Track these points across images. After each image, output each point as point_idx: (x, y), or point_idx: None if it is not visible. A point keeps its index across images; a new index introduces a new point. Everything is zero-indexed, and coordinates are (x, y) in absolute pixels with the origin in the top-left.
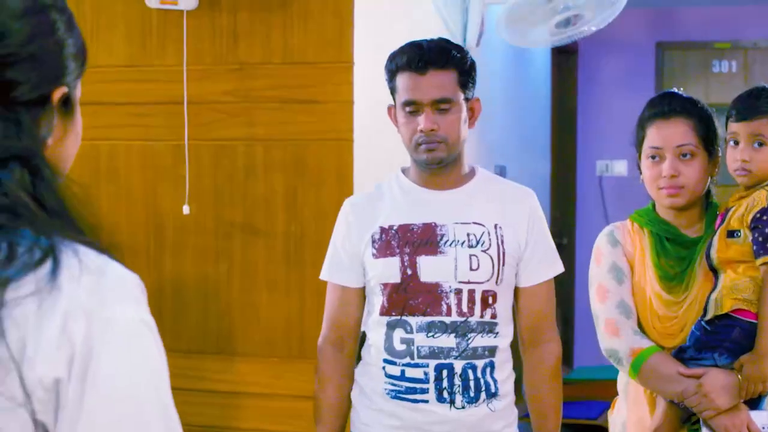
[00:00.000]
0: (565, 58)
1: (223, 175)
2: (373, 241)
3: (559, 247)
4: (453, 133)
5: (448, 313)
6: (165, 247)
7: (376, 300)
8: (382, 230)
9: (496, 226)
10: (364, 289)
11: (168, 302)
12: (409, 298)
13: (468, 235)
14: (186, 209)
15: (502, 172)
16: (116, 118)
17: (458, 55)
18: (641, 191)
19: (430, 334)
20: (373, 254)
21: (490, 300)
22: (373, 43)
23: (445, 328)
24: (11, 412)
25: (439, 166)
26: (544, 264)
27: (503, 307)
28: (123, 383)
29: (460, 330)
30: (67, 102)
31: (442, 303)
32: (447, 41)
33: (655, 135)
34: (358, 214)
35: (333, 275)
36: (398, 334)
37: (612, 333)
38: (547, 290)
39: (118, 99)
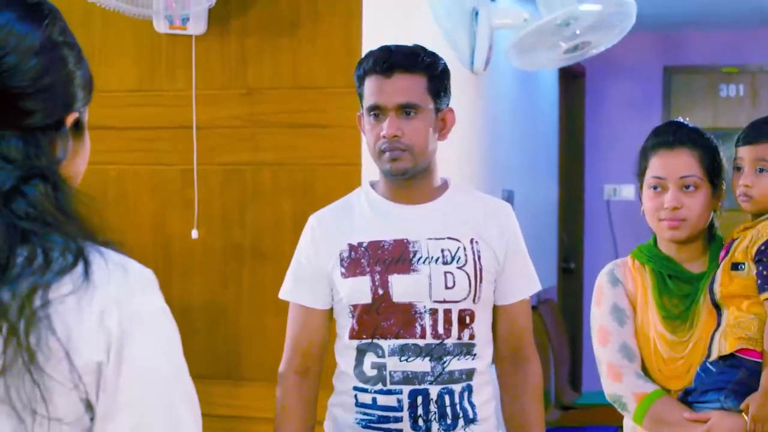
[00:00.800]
0: (572, 82)
1: (231, 200)
2: (342, 260)
3: (567, 272)
4: (419, 141)
5: (422, 335)
6: (173, 270)
7: (345, 322)
8: (351, 248)
9: (473, 240)
10: (330, 311)
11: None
12: (381, 319)
13: (443, 251)
14: (195, 233)
15: (509, 196)
16: (125, 142)
17: (428, 59)
18: None
19: (403, 358)
20: (342, 273)
21: (468, 320)
22: None
23: (419, 352)
24: (66, 395)
25: (404, 177)
26: (523, 280)
27: (482, 326)
28: (150, 362)
29: (436, 353)
30: (77, 125)
31: (416, 324)
32: (419, 47)
33: (658, 165)
34: (325, 230)
35: (296, 295)
36: (369, 358)
37: (615, 378)
38: (526, 308)
39: (126, 123)
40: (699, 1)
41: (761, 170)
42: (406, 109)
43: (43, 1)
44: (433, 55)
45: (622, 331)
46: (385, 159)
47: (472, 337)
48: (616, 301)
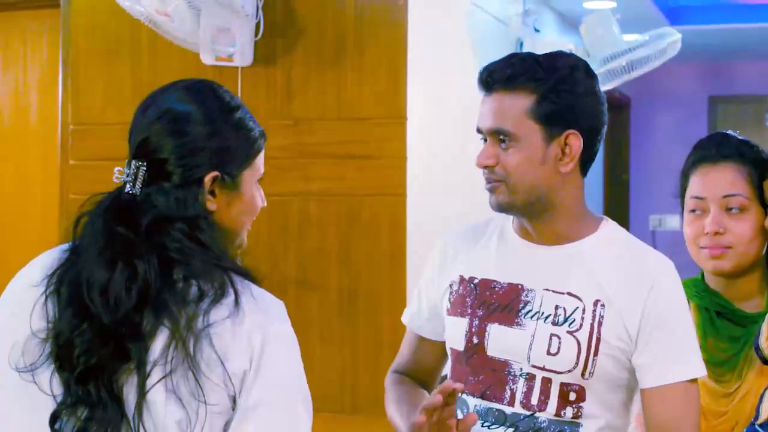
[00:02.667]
0: (617, 111)
1: (277, 229)
2: (450, 293)
3: None
4: (514, 173)
5: (511, 403)
6: None
7: (449, 366)
8: (461, 281)
9: (597, 302)
10: (445, 344)
11: None
12: (469, 372)
13: (556, 308)
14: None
15: None
16: None
17: (539, 73)
18: None
19: (485, 424)
20: (447, 309)
21: (573, 396)
22: (425, 98)
23: (503, 420)
24: (219, 392)
25: (509, 213)
26: (669, 360)
27: (597, 408)
28: (280, 372)
29: (523, 426)
30: (225, 181)
31: (506, 388)
32: (542, 56)
33: (698, 183)
34: (448, 253)
35: (411, 321)
36: (458, 416)
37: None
38: (674, 396)
39: None
40: (745, 31)
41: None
42: (499, 136)
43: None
44: (554, 66)
45: None
46: (487, 189)
47: (577, 416)
48: None
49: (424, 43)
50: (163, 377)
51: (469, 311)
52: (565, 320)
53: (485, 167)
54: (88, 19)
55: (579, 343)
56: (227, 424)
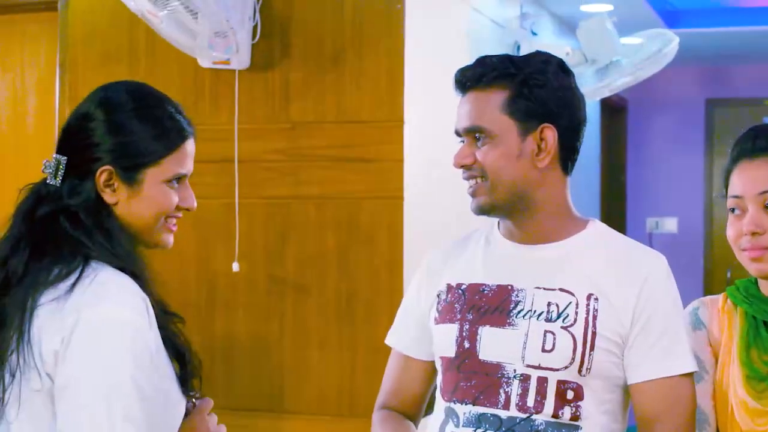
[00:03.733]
0: (614, 114)
1: (274, 233)
2: (438, 302)
3: None
4: (491, 169)
5: (506, 406)
6: (216, 304)
7: (438, 377)
8: (449, 288)
9: (590, 297)
10: (433, 364)
11: (219, 360)
12: (461, 379)
13: (549, 304)
14: (236, 266)
15: None
16: None
17: (510, 69)
18: (693, 249)
19: (479, 431)
20: (435, 318)
21: (570, 395)
22: (423, 102)
23: (498, 425)
24: (34, 370)
25: (492, 215)
26: (659, 354)
27: (595, 407)
28: (87, 358)
29: (518, 430)
30: (121, 176)
31: (500, 391)
32: (515, 56)
33: (736, 181)
34: (433, 268)
35: (398, 341)
36: (447, 427)
37: None
38: (663, 392)
39: None
40: (741, 34)
41: None
42: (475, 134)
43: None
44: (525, 62)
45: (696, 388)
46: (468, 192)
47: (575, 417)
48: (695, 350)
49: (422, 46)
50: (6, 352)
51: (459, 317)
52: (559, 316)
53: (462, 167)
54: (86, 23)
55: (574, 338)
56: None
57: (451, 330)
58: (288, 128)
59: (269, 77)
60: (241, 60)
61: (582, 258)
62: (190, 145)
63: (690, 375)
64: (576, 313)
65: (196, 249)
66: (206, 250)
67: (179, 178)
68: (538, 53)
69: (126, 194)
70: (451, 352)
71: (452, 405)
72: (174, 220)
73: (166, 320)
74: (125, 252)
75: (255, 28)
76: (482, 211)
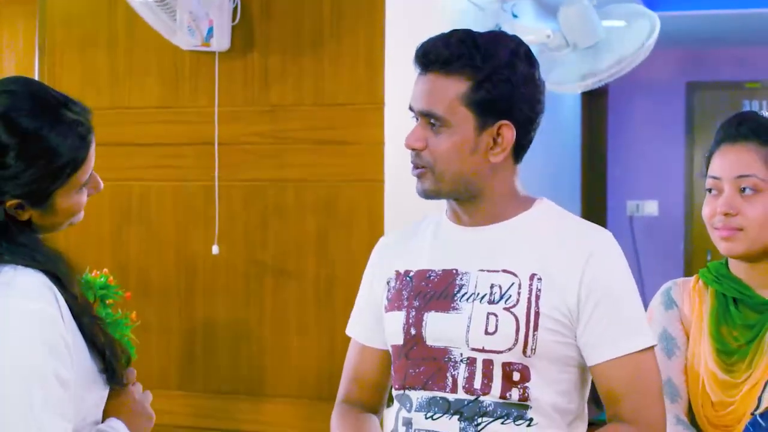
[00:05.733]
0: (595, 98)
1: (254, 217)
2: (388, 290)
3: None
4: (441, 160)
5: (453, 389)
6: (196, 288)
7: (392, 367)
8: (398, 276)
9: (533, 276)
10: (389, 352)
11: (199, 343)
12: (409, 365)
13: (492, 286)
14: (215, 249)
15: None
16: (148, 159)
17: (476, 60)
18: (673, 232)
19: (429, 415)
20: (385, 306)
21: (516, 376)
22: (403, 85)
23: (446, 408)
24: None
25: (436, 198)
26: (617, 333)
27: (545, 388)
28: (4, 341)
29: (467, 412)
30: (36, 203)
31: (448, 375)
32: (483, 38)
33: (716, 162)
34: (384, 255)
35: (354, 329)
36: (401, 413)
37: None
38: (623, 370)
39: (150, 140)
40: (722, 17)
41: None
42: (430, 119)
43: None
44: (494, 49)
45: (669, 363)
46: (413, 174)
47: (524, 398)
48: (667, 327)
49: (402, 28)
50: None
51: (406, 303)
52: (501, 297)
53: (413, 149)
54: (64, 5)
55: (517, 319)
56: None
57: (399, 317)
58: (268, 111)
59: (249, 60)
60: (220, 42)
61: (525, 238)
62: (92, 146)
63: (650, 349)
64: (518, 293)
65: (176, 232)
66: (185, 233)
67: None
68: (504, 38)
69: (39, 213)
70: (399, 340)
71: (405, 392)
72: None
73: (86, 317)
74: (42, 255)
75: (235, 10)
76: (427, 195)
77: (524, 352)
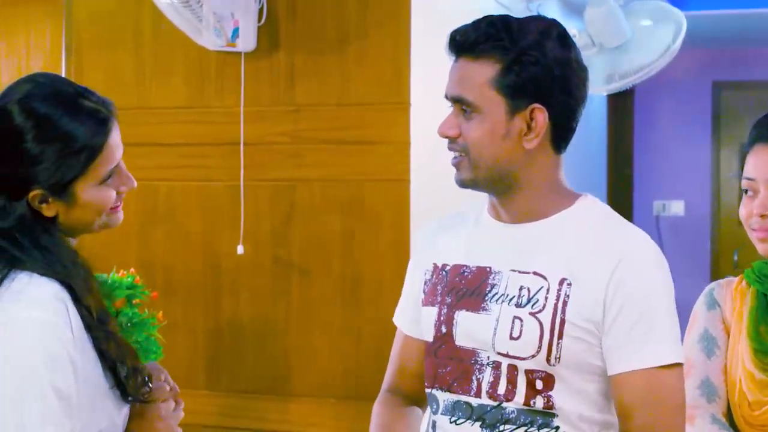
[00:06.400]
0: (620, 98)
1: (279, 216)
2: (425, 282)
3: None
4: (474, 146)
5: (477, 394)
6: (222, 287)
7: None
8: (435, 269)
9: (563, 281)
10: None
11: (225, 342)
12: (438, 365)
13: (521, 288)
14: (240, 249)
15: None
16: (174, 158)
17: (504, 41)
18: (699, 231)
19: (453, 419)
20: (422, 299)
21: (540, 384)
22: (429, 84)
23: (469, 413)
24: None
25: (474, 189)
26: (634, 343)
27: (570, 397)
28: (3, 353)
29: (489, 418)
30: (58, 193)
31: (473, 378)
32: (515, 21)
33: (750, 163)
34: (426, 243)
35: (399, 318)
36: (429, 414)
37: (687, 419)
38: (638, 384)
39: (176, 140)
40: (749, 16)
41: None
42: (462, 106)
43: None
44: (521, 32)
45: (708, 363)
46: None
47: (549, 406)
48: (708, 327)
49: (428, 27)
50: None
51: (439, 299)
52: (528, 301)
53: (446, 137)
54: (91, 5)
55: (541, 325)
56: None
57: (432, 313)
58: (293, 111)
59: (274, 60)
60: (246, 42)
61: (560, 238)
62: (114, 135)
63: (674, 366)
64: (546, 298)
65: (202, 232)
66: (211, 233)
67: (113, 168)
68: (538, 20)
69: (63, 207)
70: (430, 337)
71: (433, 391)
72: (119, 201)
73: (99, 330)
74: (62, 265)
75: (261, 10)
76: (464, 185)
77: (548, 360)
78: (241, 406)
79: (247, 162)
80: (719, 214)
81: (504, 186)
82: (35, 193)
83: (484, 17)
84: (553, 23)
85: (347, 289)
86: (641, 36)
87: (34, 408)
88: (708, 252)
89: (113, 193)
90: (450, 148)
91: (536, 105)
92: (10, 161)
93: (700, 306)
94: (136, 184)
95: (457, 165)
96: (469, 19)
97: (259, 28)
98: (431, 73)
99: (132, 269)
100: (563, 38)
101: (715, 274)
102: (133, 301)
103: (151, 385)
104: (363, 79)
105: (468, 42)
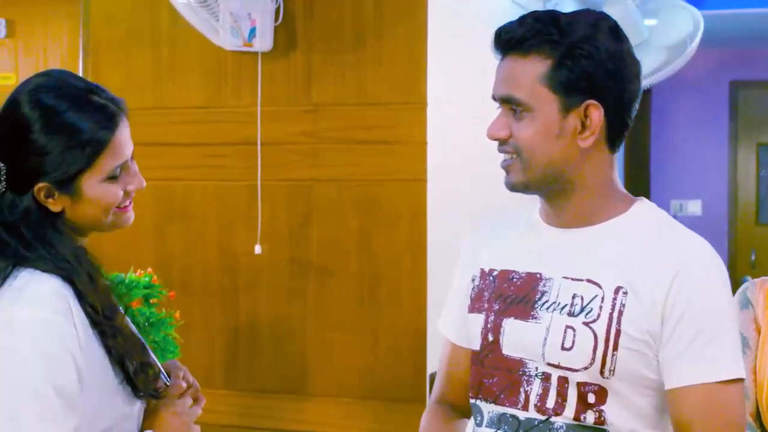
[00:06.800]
0: None
1: (296, 216)
2: (472, 287)
3: None
4: (527, 147)
5: (525, 407)
6: (239, 286)
7: None
8: (482, 274)
9: (618, 290)
10: None
11: (243, 342)
12: (484, 374)
13: (573, 297)
14: (258, 249)
15: None
16: (191, 158)
17: (554, 35)
18: (716, 231)
19: None
20: (468, 305)
21: (592, 398)
22: (446, 84)
23: (516, 427)
24: None
25: (525, 192)
26: (693, 356)
27: (623, 412)
28: (2, 360)
29: None
30: (63, 187)
31: (521, 390)
32: (563, 15)
33: None
34: (471, 248)
35: (444, 326)
36: (474, 427)
37: None
38: (696, 399)
39: (193, 140)
40: (766, 16)
41: None
42: (512, 105)
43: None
44: (574, 26)
45: None
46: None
47: (600, 421)
48: (741, 328)
49: (444, 27)
50: None
51: (486, 306)
52: (582, 310)
53: (496, 139)
54: (108, 6)
55: (596, 336)
56: None
57: (478, 321)
58: (310, 111)
59: (291, 60)
60: (263, 42)
61: (616, 245)
62: (122, 132)
63: (734, 381)
64: (601, 307)
65: (219, 231)
66: (228, 233)
67: (121, 166)
68: (587, 13)
69: (69, 201)
70: (477, 345)
71: (477, 402)
72: (128, 201)
73: (106, 326)
74: (66, 261)
75: (278, 10)
76: (515, 188)
77: (601, 372)
78: (258, 405)
79: (265, 162)
80: (736, 213)
81: (557, 188)
82: (41, 186)
83: (530, 13)
84: (603, 16)
85: (364, 289)
86: (658, 36)
87: (33, 407)
88: (725, 252)
89: (120, 191)
90: (500, 150)
91: (591, 101)
92: (18, 151)
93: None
94: (144, 183)
95: (507, 168)
96: (485, 20)
97: (275, 27)
98: (448, 72)
99: (149, 269)
100: (615, 31)
101: (733, 274)
102: (150, 301)
103: (166, 380)
104: (380, 79)
105: (515, 38)
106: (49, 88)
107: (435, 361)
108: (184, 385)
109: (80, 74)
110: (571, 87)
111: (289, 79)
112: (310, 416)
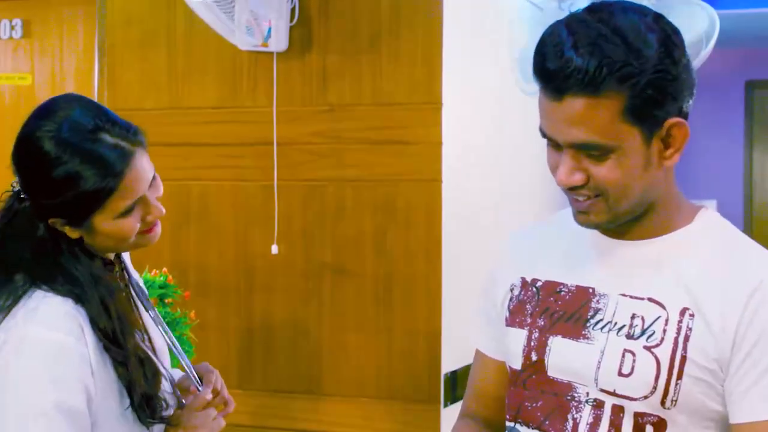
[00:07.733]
0: None
1: (312, 216)
2: (511, 298)
3: None
4: (614, 188)
5: None
6: (255, 287)
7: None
8: (524, 284)
9: (684, 311)
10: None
11: (258, 342)
12: (526, 397)
13: (633, 317)
14: (275, 249)
15: None
16: (207, 159)
17: (632, 67)
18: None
19: None
20: (506, 318)
21: (650, 430)
22: (462, 84)
23: None
24: None
25: (608, 227)
26: (764, 387)
27: None
28: (10, 379)
29: None
30: (76, 225)
31: (569, 417)
32: (628, 33)
33: None
34: (511, 253)
35: (476, 336)
36: None
37: None
38: None
39: (208, 140)
40: None
41: None
42: (589, 151)
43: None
44: (644, 42)
45: None
46: (573, 208)
47: None
48: None
49: (460, 28)
50: None
51: (529, 321)
52: (643, 333)
53: (572, 187)
54: (124, 6)
55: (659, 362)
56: None
57: (520, 336)
58: (326, 111)
59: (307, 60)
60: (279, 42)
61: (680, 260)
62: (134, 169)
63: None
64: (665, 331)
65: (234, 232)
66: (244, 233)
67: (136, 201)
68: (647, 25)
69: (84, 232)
70: (517, 364)
71: (517, 426)
72: (150, 224)
73: (115, 352)
74: (79, 287)
75: (293, 10)
76: (596, 227)
77: (663, 402)
78: (273, 405)
79: (281, 162)
80: (752, 214)
81: (639, 211)
82: (54, 220)
83: (576, 34)
84: (665, 22)
85: (380, 289)
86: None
87: (41, 428)
88: None
89: (136, 223)
90: (575, 193)
91: (672, 120)
92: (27, 189)
93: None
94: (164, 211)
95: (587, 208)
96: (501, 20)
97: (291, 28)
98: (464, 73)
99: (164, 269)
100: (677, 37)
101: None
102: (166, 300)
103: (198, 386)
104: (395, 79)
105: (583, 79)
106: (50, 132)
107: (449, 363)
108: (209, 396)
109: (96, 75)
110: (651, 113)
111: (305, 80)
112: (324, 416)
